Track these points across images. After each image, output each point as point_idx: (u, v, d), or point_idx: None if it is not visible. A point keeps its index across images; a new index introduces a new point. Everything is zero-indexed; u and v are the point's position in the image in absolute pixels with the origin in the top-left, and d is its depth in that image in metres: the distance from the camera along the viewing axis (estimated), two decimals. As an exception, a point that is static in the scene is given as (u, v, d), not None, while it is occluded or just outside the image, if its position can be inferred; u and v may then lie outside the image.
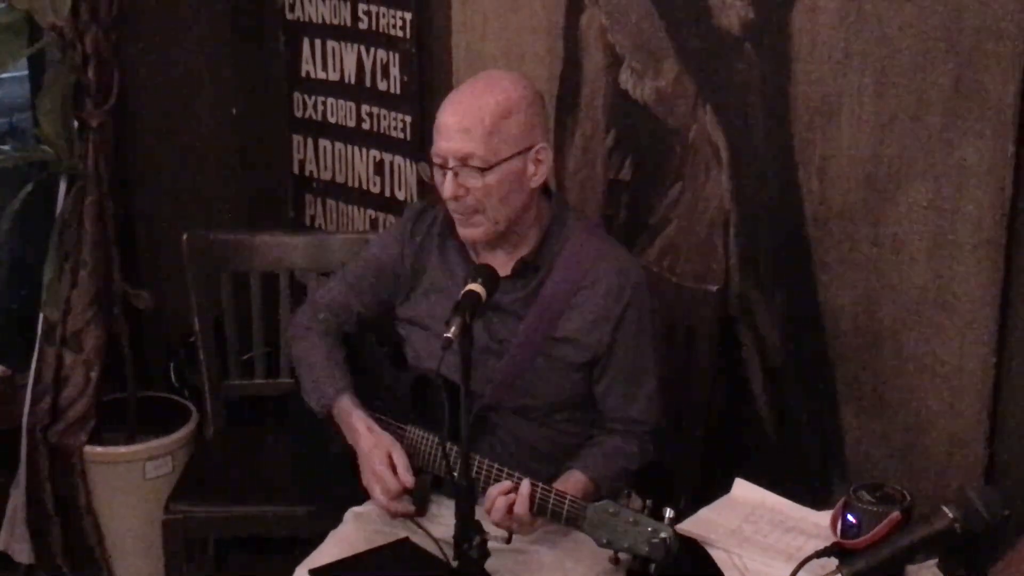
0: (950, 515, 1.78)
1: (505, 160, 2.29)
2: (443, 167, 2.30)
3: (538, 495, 2.22)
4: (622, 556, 2.11)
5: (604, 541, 2.13)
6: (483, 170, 2.28)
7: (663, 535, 2.05)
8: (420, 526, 2.41)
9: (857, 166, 2.49)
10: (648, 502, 2.14)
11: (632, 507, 2.21)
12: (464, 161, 2.28)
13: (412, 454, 2.41)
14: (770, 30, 2.58)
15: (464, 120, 2.28)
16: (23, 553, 3.44)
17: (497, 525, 2.24)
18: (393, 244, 2.54)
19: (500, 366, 2.39)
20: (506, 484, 2.24)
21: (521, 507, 2.21)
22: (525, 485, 2.22)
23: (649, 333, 2.44)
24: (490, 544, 2.16)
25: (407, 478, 2.37)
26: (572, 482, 2.32)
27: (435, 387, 2.33)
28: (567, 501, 2.19)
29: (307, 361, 2.54)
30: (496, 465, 2.28)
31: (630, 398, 2.43)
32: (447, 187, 2.30)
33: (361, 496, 2.48)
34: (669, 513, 2.06)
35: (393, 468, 2.37)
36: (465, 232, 2.36)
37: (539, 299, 2.39)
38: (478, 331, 2.34)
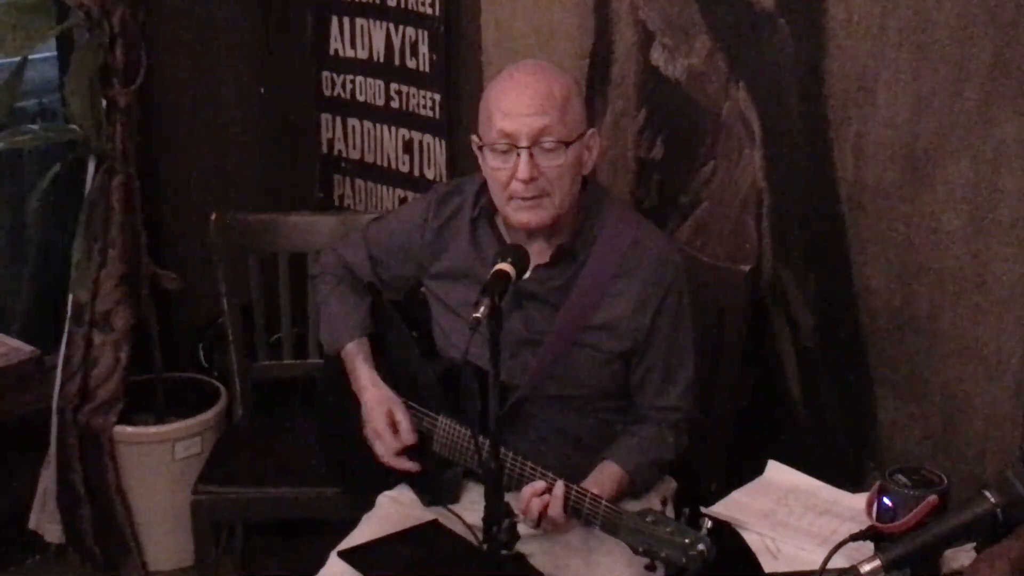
0: (992, 500, 1.75)
1: (578, 138, 2.27)
2: (514, 148, 2.25)
3: (572, 498, 2.19)
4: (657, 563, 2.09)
5: (640, 550, 2.09)
6: (567, 144, 2.25)
7: (700, 547, 2.02)
8: (452, 512, 2.40)
9: (893, 144, 2.46)
10: (686, 511, 2.11)
11: (661, 502, 2.18)
12: (538, 138, 2.23)
13: (444, 445, 2.40)
14: (804, 5, 2.54)
15: (537, 99, 2.24)
16: (54, 533, 3.46)
17: (532, 526, 2.23)
18: (413, 225, 2.51)
19: (537, 355, 2.36)
20: (540, 485, 2.21)
21: (555, 509, 2.19)
22: (559, 487, 2.20)
23: (687, 321, 2.41)
24: (520, 528, 2.14)
25: (408, 437, 2.39)
26: (607, 474, 2.30)
27: (465, 376, 2.32)
28: (602, 506, 2.16)
29: (327, 303, 2.59)
30: (529, 463, 2.25)
31: (666, 386, 2.40)
32: (523, 168, 2.24)
33: (392, 480, 2.48)
34: (707, 524, 2.03)
35: (394, 426, 2.39)
36: (529, 217, 2.29)
37: (577, 287, 2.35)
38: (516, 324, 2.32)
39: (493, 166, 2.29)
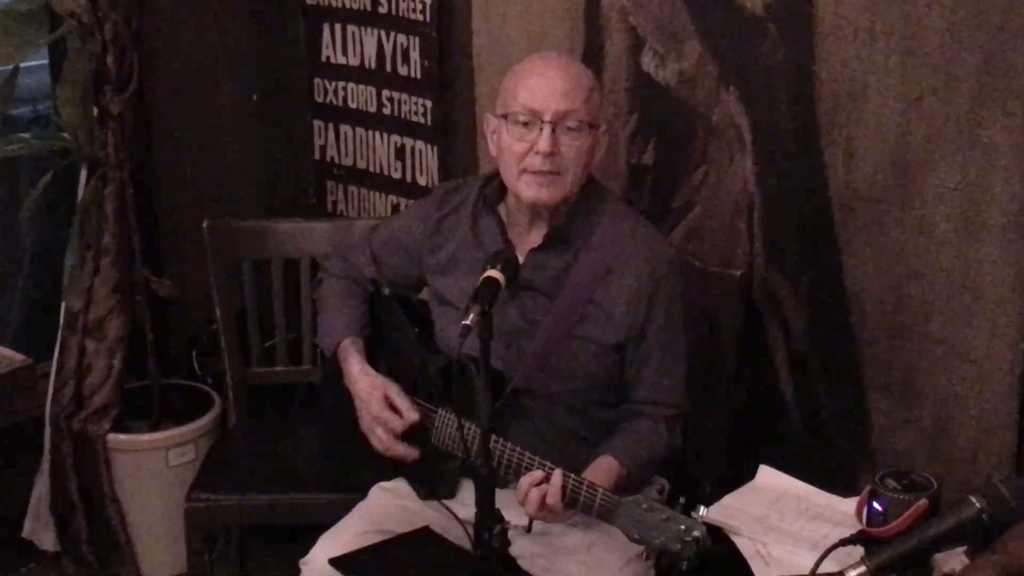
0: (977, 505, 1.76)
1: (597, 125, 2.34)
2: (537, 121, 2.29)
3: (570, 486, 2.20)
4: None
5: (636, 536, 2.10)
6: (591, 126, 2.31)
7: (695, 533, 2.02)
8: (446, 507, 2.40)
9: (883, 147, 2.46)
10: (681, 500, 2.11)
11: (657, 492, 2.17)
12: (562, 117, 2.29)
13: (443, 438, 2.40)
14: (794, 9, 2.54)
15: (565, 80, 2.31)
16: (48, 541, 3.45)
17: (531, 516, 2.23)
18: (414, 221, 2.57)
19: (532, 346, 2.37)
20: (538, 474, 2.22)
21: (553, 498, 2.20)
22: (556, 476, 2.20)
23: (679, 315, 2.43)
24: (511, 533, 2.14)
25: (411, 414, 2.39)
26: (604, 468, 2.30)
27: (465, 372, 2.32)
28: (599, 494, 2.17)
29: (324, 305, 2.64)
30: (527, 453, 2.26)
31: (660, 380, 2.41)
32: (544, 141, 2.28)
33: (390, 473, 2.49)
34: (702, 511, 2.03)
35: (393, 408, 2.40)
36: (540, 193, 2.32)
37: (572, 277, 2.38)
38: (511, 311, 2.35)
39: (512, 138, 2.33)
